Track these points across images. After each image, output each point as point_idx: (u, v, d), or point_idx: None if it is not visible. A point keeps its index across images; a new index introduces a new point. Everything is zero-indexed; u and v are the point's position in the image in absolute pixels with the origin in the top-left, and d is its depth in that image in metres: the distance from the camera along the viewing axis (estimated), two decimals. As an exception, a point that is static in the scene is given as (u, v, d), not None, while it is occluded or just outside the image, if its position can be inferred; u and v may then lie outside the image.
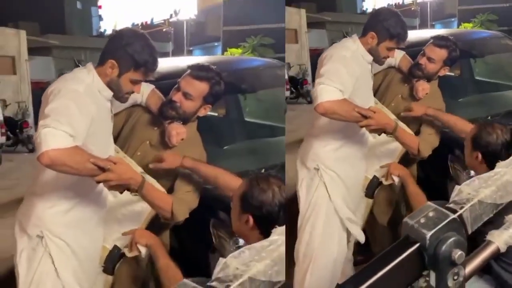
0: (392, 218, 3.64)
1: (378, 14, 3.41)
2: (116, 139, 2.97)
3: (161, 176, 2.98)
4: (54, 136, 2.48)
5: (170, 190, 2.99)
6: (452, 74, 4.41)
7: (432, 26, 5.76)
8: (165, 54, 5.74)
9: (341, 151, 3.29)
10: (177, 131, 3.00)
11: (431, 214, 1.31)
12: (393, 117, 3.49)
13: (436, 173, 3.77)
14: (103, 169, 2.58)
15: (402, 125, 3.47)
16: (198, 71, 3.03)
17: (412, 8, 5.31)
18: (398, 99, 3.63)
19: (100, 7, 6.89)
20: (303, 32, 5.28)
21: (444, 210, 1.33)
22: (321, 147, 3.27)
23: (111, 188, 2.69)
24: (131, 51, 2.70)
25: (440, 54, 3.58)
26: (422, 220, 1.30)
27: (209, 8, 6.16)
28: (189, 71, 3.05)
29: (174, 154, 2.99)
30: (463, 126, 3.41)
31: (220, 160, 3.33)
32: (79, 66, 2.95)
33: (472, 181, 1.46)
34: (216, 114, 3.89)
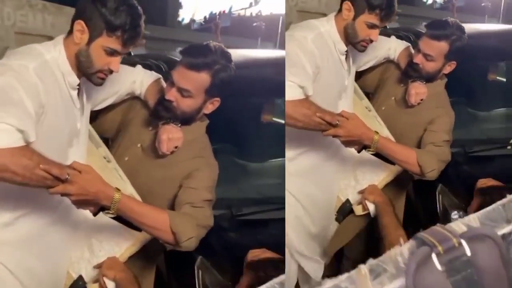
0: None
1: None
2: (112, 142, 2.45)
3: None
4: None
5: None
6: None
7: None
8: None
9: (296, 162, 2.67)
10: (169, 135, 2.32)
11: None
12: (386, 132, 2.80)
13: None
14: (60, 179, 1.98)
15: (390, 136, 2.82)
16: (192, 58, 2.31)
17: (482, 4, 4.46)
18: (390, 103, 2.94)
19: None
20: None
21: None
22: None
23: (76, 204, 2.08)
24: (102, 8, 2.05)
25: (439, 48, 2.78)
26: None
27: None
28: (181, 58, 2.34)
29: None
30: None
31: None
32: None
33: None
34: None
